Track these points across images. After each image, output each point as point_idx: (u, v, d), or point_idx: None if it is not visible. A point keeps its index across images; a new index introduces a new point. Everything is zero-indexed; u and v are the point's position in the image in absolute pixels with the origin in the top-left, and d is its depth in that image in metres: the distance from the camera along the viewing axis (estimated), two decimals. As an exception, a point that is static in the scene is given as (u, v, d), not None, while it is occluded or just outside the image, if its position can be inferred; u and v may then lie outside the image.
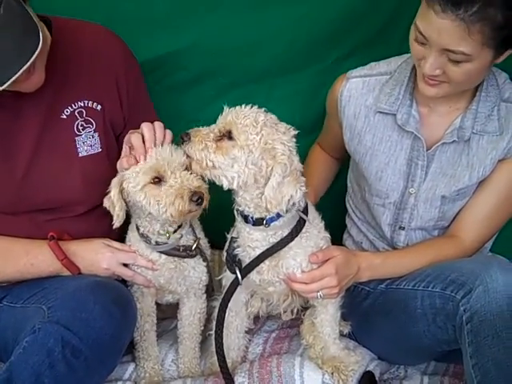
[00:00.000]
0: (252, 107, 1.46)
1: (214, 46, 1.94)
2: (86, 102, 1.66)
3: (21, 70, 1.34)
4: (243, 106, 1.46)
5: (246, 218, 1.53)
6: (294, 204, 1.47)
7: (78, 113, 1.65)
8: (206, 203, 1.53)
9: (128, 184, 1.53)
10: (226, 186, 1.46)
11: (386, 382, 1.77)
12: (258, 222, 1.51)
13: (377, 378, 1.71)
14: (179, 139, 1.49)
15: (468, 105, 1.65)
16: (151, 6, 1.92)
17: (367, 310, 1.79)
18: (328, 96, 1.86)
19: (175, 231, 1.63)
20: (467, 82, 1.57)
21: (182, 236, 1.65)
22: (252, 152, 1.42)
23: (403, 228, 1.78)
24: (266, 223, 1.51)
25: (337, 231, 1.98)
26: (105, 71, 1.68)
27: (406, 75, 1.69)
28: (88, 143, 1.67)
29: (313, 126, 1.97)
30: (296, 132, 1.47)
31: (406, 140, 1.71)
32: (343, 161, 1.99)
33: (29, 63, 1.34)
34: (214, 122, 1.48)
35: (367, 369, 1.72)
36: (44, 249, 1.61)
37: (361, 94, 1.76)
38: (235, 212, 1.57)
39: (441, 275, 1.57)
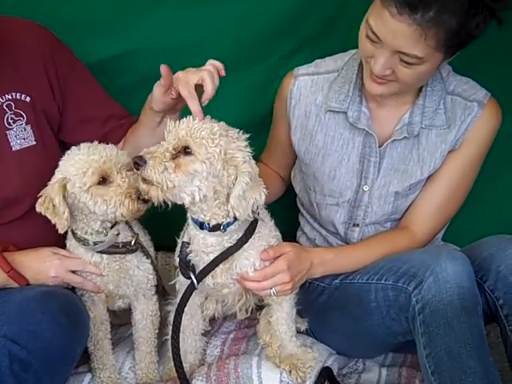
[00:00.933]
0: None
1: (158, 46, 1.90)
2: (14, 94, 1.63)
3: None
4: (188, 117, 1.42)
5: (201, 225, 1.50)
6: (258, 207, 1.45)
7: (6, 106, 1.62)
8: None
9: (73, 185, 1.52)
10: (188, 202, 1.41)
11: (345, 377, 1.77)
12: (214, 228, 1.49)
13: (335, 373, 1.71)
14: (132, 164, 1.40)
15: (415, 99, 1.66)
16: (91, 9, 1.87)
17: (323, 306, 1.79)
18: (277, 95, 1.84)
19: (112, 227, 1.62)
20: (416, 82, 1.58)
21: (119, 233, 1.64)
22: (213, 164, 1.38)
23: (357, 225, 1.78)
24: (223, 228, 1.49)
25: (291, 228, 1.99)
26: (30, 60, 1.65)
27: (353, 72, 1.69)
28: (21, 136, 1.64)
29: (261, 124, 1.93)
30: (247, 136, 1.45)
31: (357, 137, 1.71)
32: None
33: None
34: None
35: (325, 364, 1.72)
36: None
37: (310, 93, 1.75)
38: (189, 219, 1.54)
39: (393, 268, 1.58)
